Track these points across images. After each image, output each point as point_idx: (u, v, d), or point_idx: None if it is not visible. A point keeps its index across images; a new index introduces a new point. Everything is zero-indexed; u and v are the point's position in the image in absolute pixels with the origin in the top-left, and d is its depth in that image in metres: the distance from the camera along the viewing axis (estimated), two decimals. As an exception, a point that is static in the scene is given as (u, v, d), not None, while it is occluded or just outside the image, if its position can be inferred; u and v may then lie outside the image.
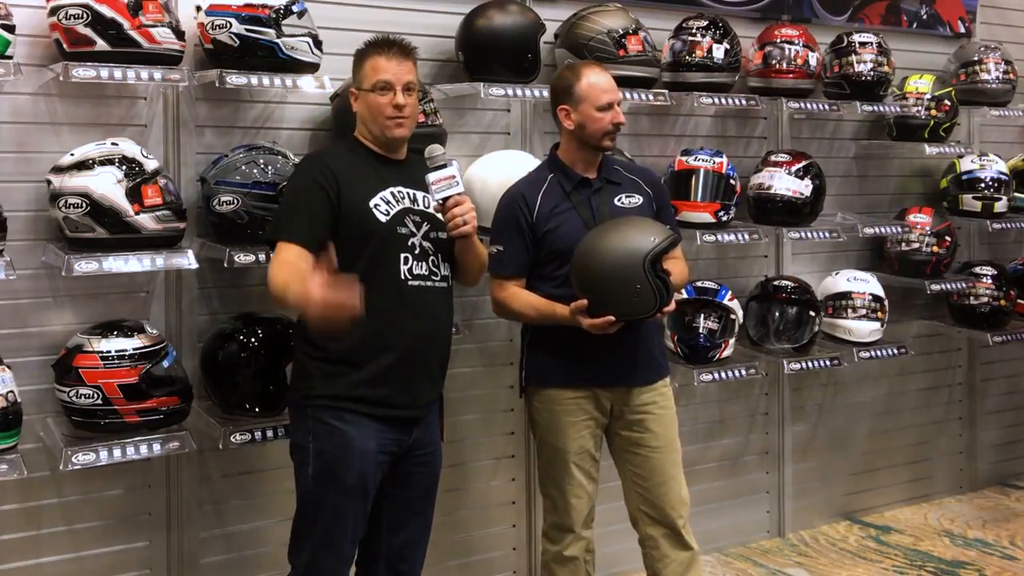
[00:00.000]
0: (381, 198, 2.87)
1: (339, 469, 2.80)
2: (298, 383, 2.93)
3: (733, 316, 4.19)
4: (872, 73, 4.48)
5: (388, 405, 2.83)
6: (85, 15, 2.98)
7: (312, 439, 2.83)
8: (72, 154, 3.04)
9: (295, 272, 2.69)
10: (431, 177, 2.84)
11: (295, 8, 3.24)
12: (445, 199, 2.85)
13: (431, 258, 2.92)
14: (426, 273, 2.90)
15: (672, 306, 3.10)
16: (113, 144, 3.07)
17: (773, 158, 4.40)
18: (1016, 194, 5.03)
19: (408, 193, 2.92)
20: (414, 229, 2.90)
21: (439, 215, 2.90)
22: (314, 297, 2.55)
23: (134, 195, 2.99)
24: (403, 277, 2.85)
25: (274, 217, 2.97)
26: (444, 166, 2.85)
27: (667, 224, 3.30)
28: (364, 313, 2.62)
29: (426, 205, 2.93)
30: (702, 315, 4.15)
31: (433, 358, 2.95)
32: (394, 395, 2.83)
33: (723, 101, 4.18)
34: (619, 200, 3.27)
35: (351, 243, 2.81)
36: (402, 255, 2.86)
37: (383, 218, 2.85)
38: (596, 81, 3.22)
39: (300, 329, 2.92)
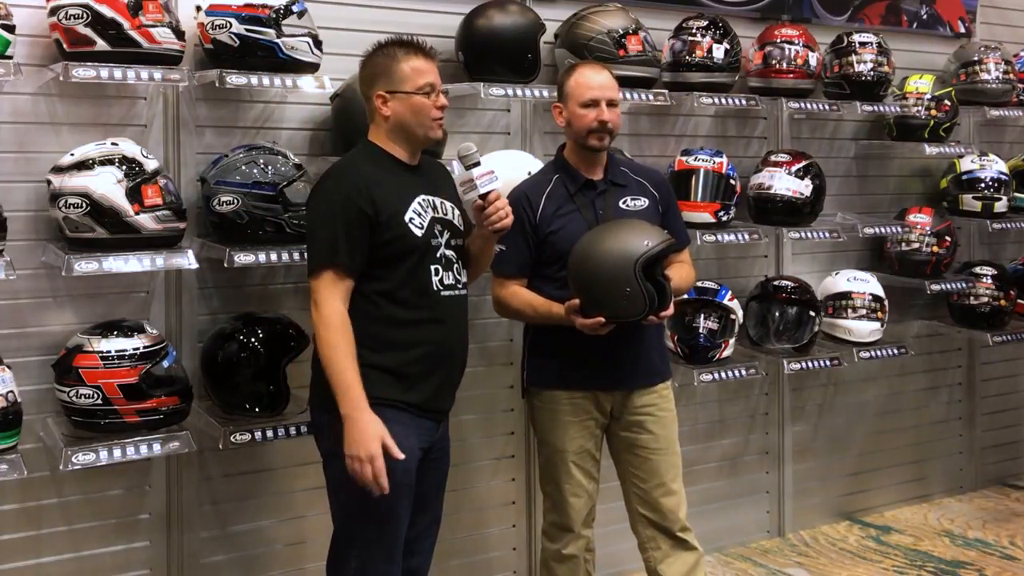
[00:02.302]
0: (413, 211, 2.82)
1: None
2: (328, 390, 2.83)
3: (733, 316, 4.19)
4: (872, 73, 4.48)
5: (423, 408, 2.84)
6: (85, 15, 2.98)
7: None
8: (72, 154, 3.03)
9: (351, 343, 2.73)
10: (475, 172, 2.83)
11: (295, 8, 3.24)
12: (487, 194, 2.84)
13: (455, 266, 2.91)
14: (453, 282, 2.89)
15: (670, 311, 3.09)
16: (113, 144, 3.07)
17: (773, 158, 4.40)
18: (1016, 194, 5.03)
19: (431, 201, 2.89)
20: (440, 239, 2.88)
21: (479, 210, 2.87)
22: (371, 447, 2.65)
23: (134, 195, 2.98)
24: (435, 288, 2.84)
25: (315, 239, 2.81)
26: (479, 163, 2.85)
27: (674, 226, 3.30)
28: (401, 324, 2.77)
29: (444, 212, 2.91)
30: (702, 315, 4.14)
31: (460, 363, 2.97)
32: (428, 400, 2.84)
33: (723, 101, 4.18)
34: (624, 202, 3.26)
35: (389, 258, 2.77)
36: (433, 267, 2.84)
37: (419, 232, 2.81)
38: (583, 79, 3.21)
39: None
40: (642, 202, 3.29)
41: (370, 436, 2.66)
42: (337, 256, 2.73)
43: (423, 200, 2.86)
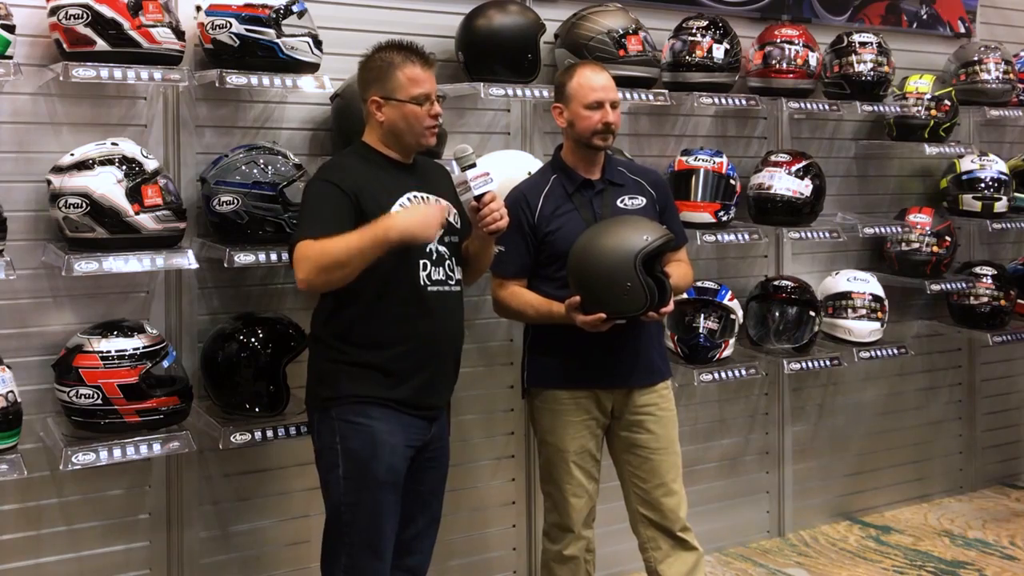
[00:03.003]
0: (401, 204, 2.84)
1: (370, 465, 2.79)
2: (319, 388, 2.91)
3: (733, 316, 4.19)
4: (872, 73, 4.48)
5: (411, 405, 2.85)
6: (85, 15, 2.98)
7: (339, 439, 2.82)
8: (72, 154, 3.03)
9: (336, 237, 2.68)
10: (469, 174, 2.84)
11: (295, 8, 3.24)
12: (481, 196, 2.84)
13: (447, 263, 2.92)
14: (443, 278, 2.90)
15: (670, 307, 3.10)
16: (113, 144, 3.07)
17: (773, 158, 4.40)
18: (1016, 194, 5.03)
19: (423, 197, 2.90)
20: None
21: (474, 212, 2.87)
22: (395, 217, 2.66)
23: (134, 195, 2.98)
24: (423, 283, 2.85)
25: (298, 221, 2.88)
26: (474, 164, 2.86)
27: (672, 226, 3.30)
28: (388, 320, 2.76)
29: None
30: (702, 315, 4.15)
31: (451, 360, 2.98)
32: (416, 396, 2.85)
33: (723, 101, 4.18)
34: (621, 202, 3.27)
35: None
36: (421, 261, 2.86)
37: None
38: (586, 80, 3.22)
39: (321, 333, 2.92)
40: (639, 201, 3.29)
41: (398, 222, 2.68)
42: (313, 231, 2.71)
43: (413, 196, 2.88)
